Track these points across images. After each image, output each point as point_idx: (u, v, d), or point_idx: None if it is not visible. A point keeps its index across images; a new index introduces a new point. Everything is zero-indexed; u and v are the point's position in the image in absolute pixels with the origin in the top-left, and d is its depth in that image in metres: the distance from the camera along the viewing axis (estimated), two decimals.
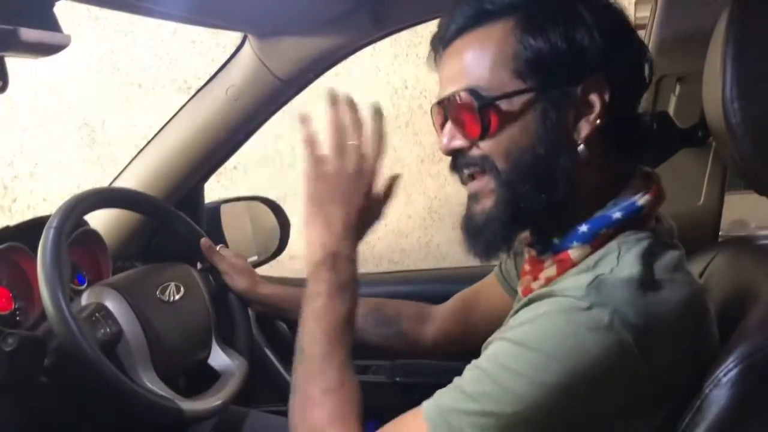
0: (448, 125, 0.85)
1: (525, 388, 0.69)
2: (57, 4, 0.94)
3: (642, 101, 1.13)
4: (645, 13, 1.41)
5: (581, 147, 0.80)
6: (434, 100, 0.88)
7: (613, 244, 0.79)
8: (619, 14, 0.83)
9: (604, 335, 0.69)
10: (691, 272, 0.81)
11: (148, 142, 1.41)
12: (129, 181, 1.41)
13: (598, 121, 0.79)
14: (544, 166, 0.80)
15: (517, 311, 0.79)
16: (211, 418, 1.13)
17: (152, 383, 1.04)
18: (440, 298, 1.30)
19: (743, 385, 0.68)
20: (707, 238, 1.28)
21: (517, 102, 0.80)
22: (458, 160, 0.86)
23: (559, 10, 0.79)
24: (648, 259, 0.76)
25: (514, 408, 0.69)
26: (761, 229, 2.46)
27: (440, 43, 0.86)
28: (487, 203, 0.84)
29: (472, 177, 0.86)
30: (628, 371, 0.70)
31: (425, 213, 3.01)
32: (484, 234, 0.84)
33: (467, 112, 0.81)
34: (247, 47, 1.30)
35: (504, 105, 0.80)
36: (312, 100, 2.62)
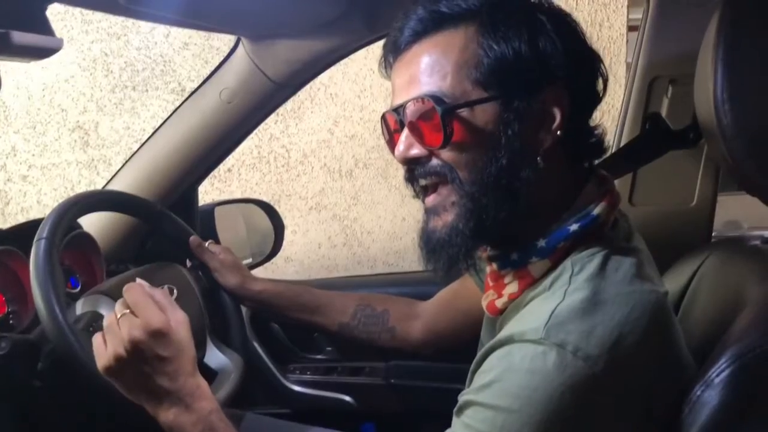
0: (405, 133, 0.81)
1: None
2: (49, 7, 0.94)
3: (635, 103, 1.13)
4: (638, 15, 1.41)
5: (540, 158, 0.78)
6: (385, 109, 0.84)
7: (567, 263, 0.78)
8: (575, 26, 0.82)
9: (573, 375, 0.68)
10: (651, 275, 0.80)
11: (142, 145, 1.41)
12: (122, 184, 1.41)
13: (558, 132, 0.78)
14: (506, 177, 0.78)
15: (484, 355, 0.77)
16: None
17: None
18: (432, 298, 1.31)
19: (735, 386, 0.68)
20: (700, 238, 1.28)
21: (480, 111, 0.77)
22: (416, 170, 0.82)
23: (520, 16, 0.78)
24: (601, 274, 0.75)
25: None
26: (754, 229, 2.48)
27: (394, 49, 0.83)
28: (448, 217, 0.80)
29: (425, 189, 0.83)
30: (605, 402, 0.70)
31: (419, 215, 3.01)
32: (446, 249, 0.81)
33: (428, 120, 0.78)
34: (240, 50, 1.30)
35: (466, 113, 0.77)
36: (307, 102, 2.64)
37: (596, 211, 0.80)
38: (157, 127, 1.40)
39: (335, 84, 2.73)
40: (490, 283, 0.88)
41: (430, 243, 0.82)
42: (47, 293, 0.94)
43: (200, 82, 1.37)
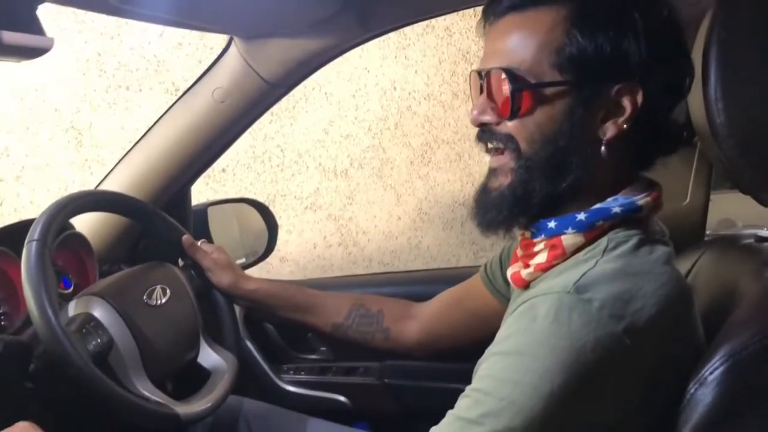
0: (482, 98, 0.86)
1: (529, 396, 0.70)
2: (40, 7, 0.94)
3: None
4: None
5: (603, 147, 0.81)
6: (475, 66, 0.89)
7: (603, 240, 0.81)
8: (671, 25, 0.82)
9: (596, 329, 0.70)
10: (679, 270, 0.83)
11: (134, 145, 1.40)
12: (115, 185, 1.40)
13: (625, 126, 0.80)
14: (561, 157, 0.82)
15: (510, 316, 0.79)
16: (205, 418, 1.12)
17: (146, 390, 1.04)
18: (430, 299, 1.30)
19: (729, 384, 0.69)
20: (694, 236, 1.29)
21: (551, 92, 0.81)
22: (485, 133, 0.88)
23: (613, 11, 0.79)
24: (635, 253, 0.78)
25: (522, 419, 0.70)
26: (748, 227, 2.48)
27: (491, 14, 0.87)
28: (504, 181, 0.85)
29: (493, 150, 0.88)
30: (624, 362, 0.71)
31: (415, 214, 3.02)
32: (492, 210, 0.87)
33: (501, 91, 0.82)
34: (233, 49, 1.29)
35: (537, 92, 0.81)
36: (301, 102, 2.63)
37: (641, 202, 0.82)
38: (149, 126, 1.40)
39: (330, 83, 2.72)
40: (519, 254, 0.91)
41: (482, 199, 0.89)
42: (39, 295, 0.93)
43: (192, 82, 1.36)
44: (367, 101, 2.84)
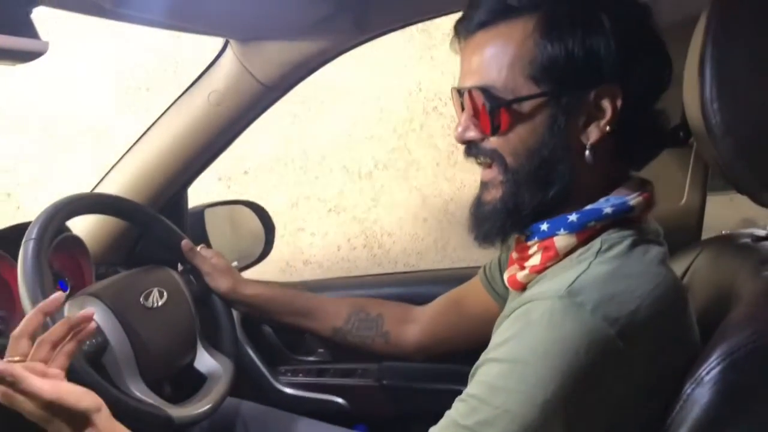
0: (465, 115, 0.87)
1: (522, 404, 0.71)
2: (36, 10, 0.95)
3: None
4: None
5: (588, 152, 0.82)
6: (455, 84, 0.90)
7: (596, 241, 0.81)
8: (641, 22, 0.83)
9: (590, 333, 0.70)
10: (674, 270, 0.83)
11: (131, 148, 1.41)
12: (111, 188, 1.42)
13: (608, 128, 0.81)
14: (547, 167, 0.83)
15: (500, 324, 0.81)
16: (200, 422, 1.12)
17: (140, 392, 1.05)
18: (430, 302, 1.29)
19: (725, 384, 0.69)
20: (690, 237, 1.30)
21: (529, 105, 0.82)
22: (471, 149, 0.89)
23: (579, 15, 0.80)
24: (629, 254, 0.79)
25: (517, 426, 0.71)
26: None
27: (463, 31, 0.87)
28: (496, 194, 0.87)
29: (485, 164, 0.89)
30: (617, 366, 0.72)
31: (441, 216, 2.99)
32: (486, 223, 0.88)
33: (481, 110, 0.84)
34: (228, 52, 1.30)
35: (515, 107, 0.82)
36: (325, 104, 2.62)
37: (632, 202, 0.82)
38: (146, 129, 1.40)
39: (354, 84, 2.71)
40: (514, 256, 0.92)
41: (477, 213, 0.91)
42: (35, 295, 0.94)
43: (188, 85, 1.37)
44: (391, 102, 2.82)
